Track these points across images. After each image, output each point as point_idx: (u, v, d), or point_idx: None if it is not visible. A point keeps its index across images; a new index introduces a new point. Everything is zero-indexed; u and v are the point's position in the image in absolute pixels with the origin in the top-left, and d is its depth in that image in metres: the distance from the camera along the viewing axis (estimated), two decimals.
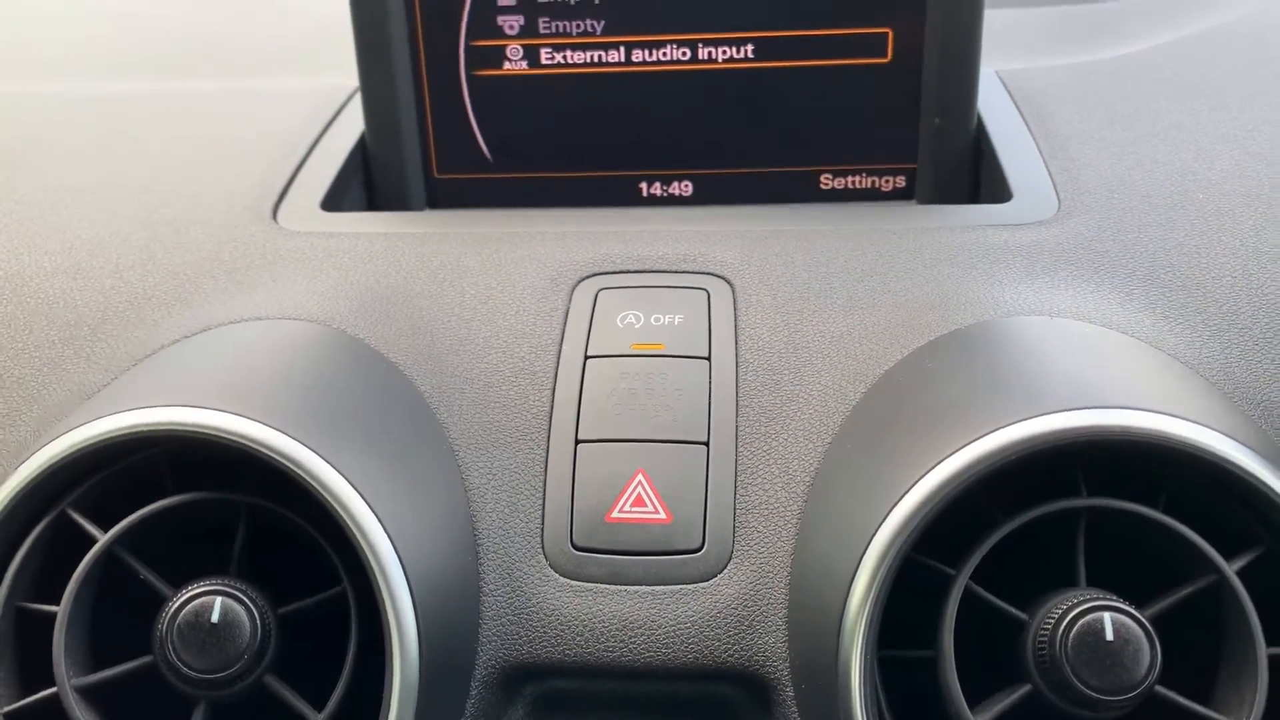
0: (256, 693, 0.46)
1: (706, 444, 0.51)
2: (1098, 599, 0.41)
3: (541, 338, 0.55)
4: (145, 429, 0.45)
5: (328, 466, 0.44)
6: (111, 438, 0.45)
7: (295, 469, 0.44)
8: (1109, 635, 0.41)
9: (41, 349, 0.57)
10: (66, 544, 0.46)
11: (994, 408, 0.44)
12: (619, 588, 0.49)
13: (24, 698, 0.45)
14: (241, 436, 0.45)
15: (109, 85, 0.78)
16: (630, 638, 0.48)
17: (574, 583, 0.49)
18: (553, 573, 0.50)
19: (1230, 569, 0.42)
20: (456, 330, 0.56)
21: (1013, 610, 0.44)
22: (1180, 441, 0.42)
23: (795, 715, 0.48)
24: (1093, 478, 0.45)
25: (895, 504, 0.43)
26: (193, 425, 0.45)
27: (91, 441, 0.45)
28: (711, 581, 0.49)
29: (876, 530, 0.43)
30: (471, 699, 0.49)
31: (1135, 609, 0.41)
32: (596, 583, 0.49)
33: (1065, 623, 0.41)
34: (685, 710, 0.50)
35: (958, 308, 0.54)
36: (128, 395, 0.48)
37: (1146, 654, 0.41)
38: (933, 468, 0.43)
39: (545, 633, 0.49)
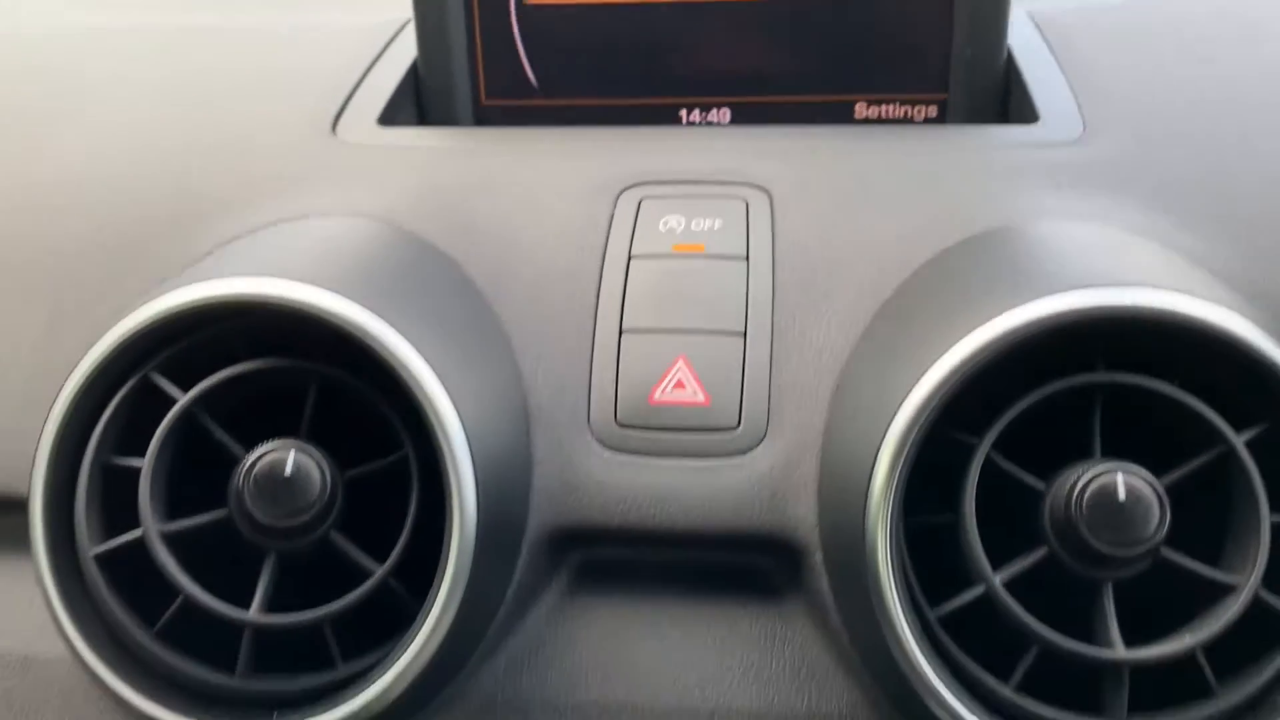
0: (323, 549, 0.49)
1: (744, 334, 0.54)
2: (1111, 463, 0.44)
3: (587, 240, 0.58)
4: (222, 299, 0.48)
5: (395, 334, 0.48)
6: (190, 307, 0.49)
7: (365, 336, 0.48)
8: (1121, 495, 0.43)
9: (112, 247, 0.61)
10: (149, 408, 0.49)
11: (1016, 291, 0.47)
12: (660, 461, 0.52)
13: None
14: (314, 307, 0.48)
15: (166, 18, 0.82)
16: (669, 505, 0.52)
17: (618, 455, 0.53)
18: (599, 447, 0.53)
19: (1239, 440, 0.45)
20: (506, 232, 0.59)
21: (1031, 479, 0.46)
22: (1192, 318, 0.45)
23: (824, 579, 0.51)
24: (1111, 362, 0.47)
25: (921, 377, 0.46)
26: (268, 296, 0.48)
27: (171, 311, 0.49)
28: (746, 455, 0.52)
29: (903, 401, 0.46)
30: (521, 563, 0.52)
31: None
32: (639, 455, 0.52)
33: (1080, 486, 0.44)
34: (720, 579, 0.53)
35: (986, 214, 0.56)
36: (204, 274, 0.51)
37: (1156, 512, 0.43)
38: (956, 343, 0.45)
39: (591, 500, 0.52)
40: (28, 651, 0.54)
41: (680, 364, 0.54)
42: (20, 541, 0.50)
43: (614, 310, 0.55)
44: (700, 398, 0.53)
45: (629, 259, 0.57)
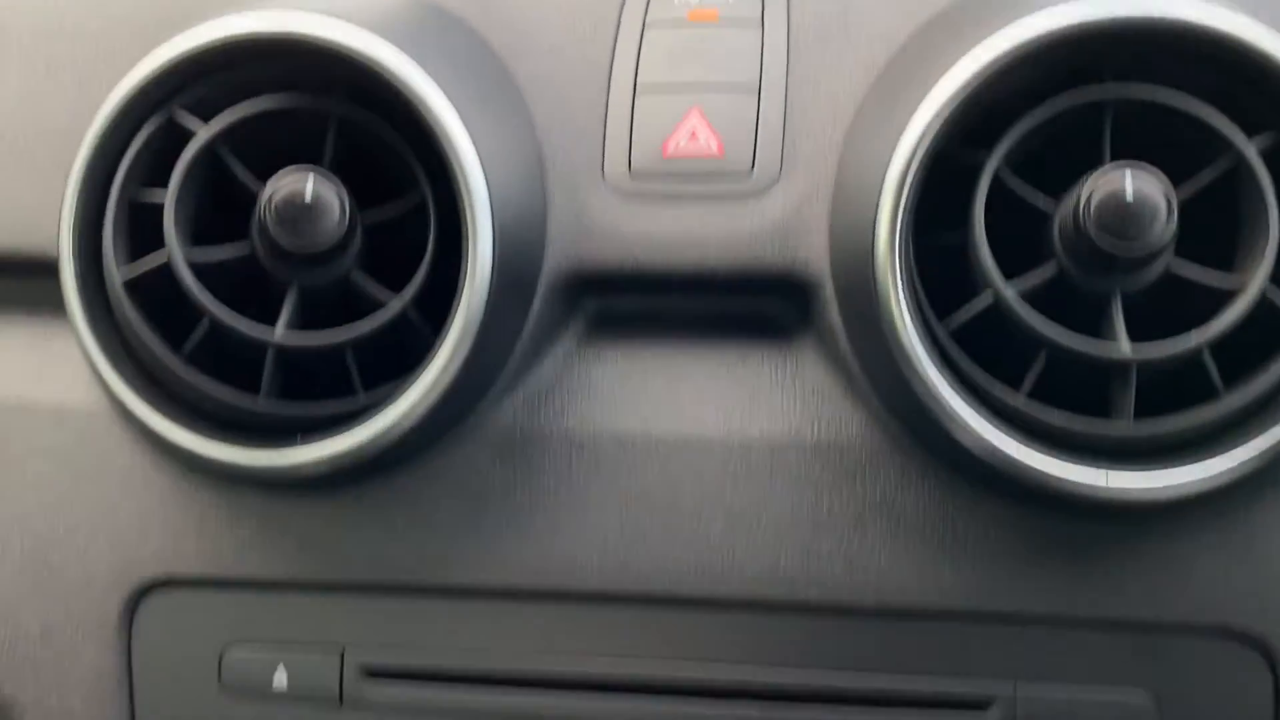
0: (343, 291, 0.51)
1: (758, 87, 0.54)
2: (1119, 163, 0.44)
3: (601, 10, 0.58)
4: (245, 35, 0.49)
5: (419, 72, 0.48)
6: (213, 44, 0.49)
7: (388, 73, 0.48)
8: (1129, 195, 0.43)
9: (130, 37, 0.61)
10: (175, 148, 0.51)
11: (1024, 11, 0.47)
12: (673, 207, 0.53)
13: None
14: (338, 42, 0.49)
15: None
16: (682, 247, 0.52)
17: (632, 202, 0.53)
18: (612, 195, 0.53)
19: (1250, 147, 0.45)
20: (520, 8, 0.59)
21: (1041, 196, 0.46)
22: (1204, 24, 0.44)
23: (834, 311, 0.51)
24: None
25: (930, 90, 0.46)
26: (293, 32, 0.49)
27: (194, 49, 0.50)
28: (759, 199, 0.52)
29: (912, 115, 0.46)
30: (537, 303, 0.53)
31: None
32: (652, 202, 0.53)
33: (1089, 193, 0.44)
34: (733, 324, 0.54)
35: None
36: None
37: (1163, 211, 0.43)
38: (966, 54, 0.46)
39: (605, 244, 0.53)
40: (63, 405, 0.56)
41: (694, 116, 0.54)
42: (57, 304, 0.52)
43: (628, 70, 0.56)
44: (714, 148, 0.54)
45: (644, 25, 0.57)
